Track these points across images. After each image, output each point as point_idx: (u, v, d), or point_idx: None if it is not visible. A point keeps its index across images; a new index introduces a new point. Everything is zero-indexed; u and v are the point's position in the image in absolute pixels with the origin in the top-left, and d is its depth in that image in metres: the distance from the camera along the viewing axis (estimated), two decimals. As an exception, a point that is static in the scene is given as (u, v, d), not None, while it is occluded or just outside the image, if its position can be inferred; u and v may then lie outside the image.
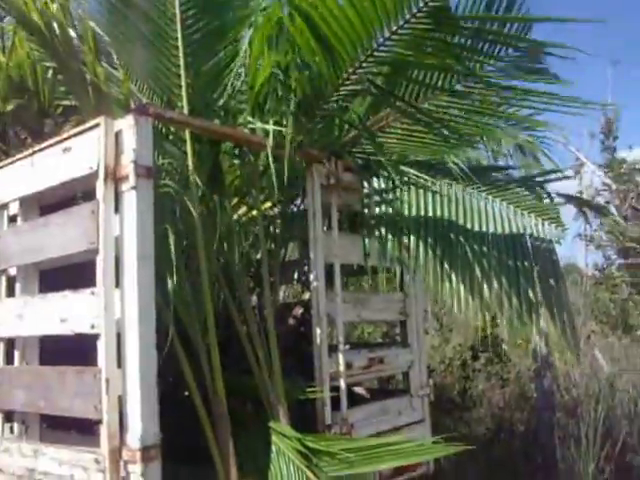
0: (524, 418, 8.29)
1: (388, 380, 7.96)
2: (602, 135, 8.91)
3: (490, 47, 4.17)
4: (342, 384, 4.51)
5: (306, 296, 5.73)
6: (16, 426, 4.06)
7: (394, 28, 3.74)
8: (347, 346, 4.93)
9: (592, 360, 8.89)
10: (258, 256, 5.14)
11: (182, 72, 4.29)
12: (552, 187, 5.01)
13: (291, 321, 5.49)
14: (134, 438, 3.32)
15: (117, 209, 3.44)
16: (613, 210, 8.69)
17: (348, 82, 4.23)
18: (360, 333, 9.90)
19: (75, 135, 3.64)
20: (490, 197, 4.58)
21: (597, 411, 6.89)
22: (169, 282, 3.67)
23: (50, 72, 4.76)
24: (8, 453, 3.93)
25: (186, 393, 4.20)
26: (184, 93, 4.28)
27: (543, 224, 4.47)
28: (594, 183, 9.43)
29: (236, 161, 4.62)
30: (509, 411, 8.61)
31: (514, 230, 4.49)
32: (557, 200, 4.98)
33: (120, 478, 3.36)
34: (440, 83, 4.54)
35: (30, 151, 3.92)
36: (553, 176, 5.13)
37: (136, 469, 3.32)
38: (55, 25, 3.82)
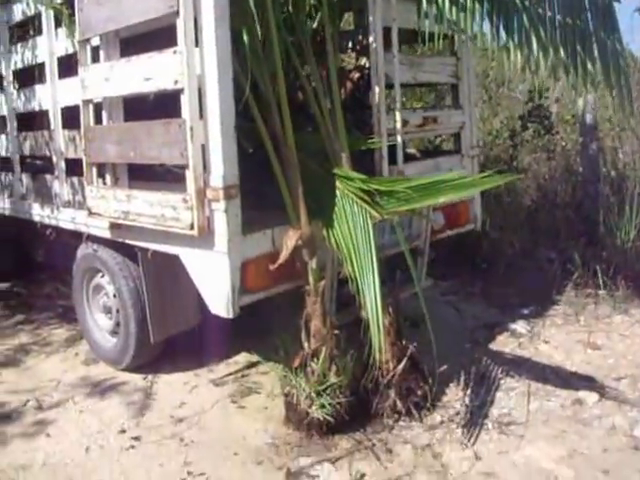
0: (569, 190, 8.44)
1: (436, 147, 8.25)
2: None
3: None
4: (399, 139, 4.85)
5: (362, 62, 5.94)
6: (108, 177, 4.54)
7: None
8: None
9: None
10: (314, 25, 5.34)
11: None
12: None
13: (349, 85, 5.76)
14: (217, 179, 3.79)
15: (193, -29, 3.69)
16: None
17: None
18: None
19: None
20: None
21: (641, 185, 7.13)
22: (244, 39, 3.94)
23: None
24: (104, 199, 4.45)
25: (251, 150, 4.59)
26: None
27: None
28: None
29: None
30: (554, 183, 8.78)
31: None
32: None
33: (205, 215, 3.83)
34: None
35: None
36: None
37: (219, 206, 3.82)
38: None
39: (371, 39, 4.70)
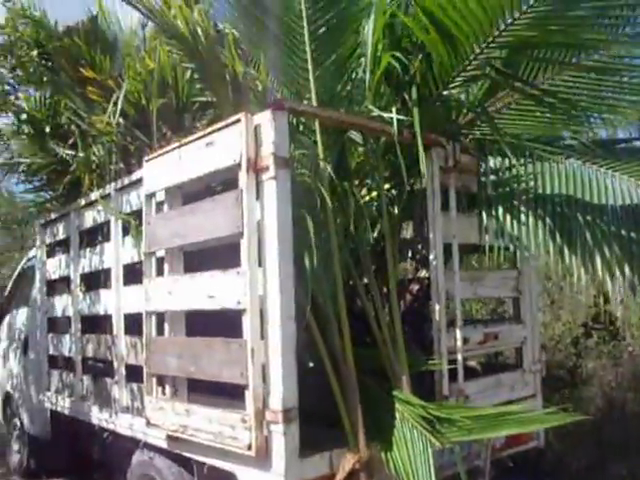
0: (638, 399, 8.10)
1: (496, 356, 8.11)
2: None
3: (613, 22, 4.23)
4: (459, 357, 4.76)
5: (421, 274, 5.97)
6: (167, 389, 4.53)
7: (517, 15, 3.89)
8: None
9: None
10: (374, 235, 5.42)
11: (309, 66, 4.59)
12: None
13: (408, 297, 5.77)
14: (276, 401, 3.73)
15: (258, 196, 3.82)
16: None
17: (468, 68, 4.42)
18: (468, 310, 9.97)
19: (217, 130, 4.04)
20: (610, 171, 4.52)
21: None
22: (306, 261, 4.00)
23: (188, 72, 5.17)
24: (163, 411, 4.42)
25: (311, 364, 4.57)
26: (312, 85, 4.57)
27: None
28: None
29: (360, 148, 4.90)
30: (622, 391, 8.44)
31: (637, 205, 4.37)
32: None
33: (264, 436, 3.76)
34: (562, 58, 4.63)
35: (177, 145, 4.32)
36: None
37: (278, 428, 3.73)
38: (199, 31, 4.21)
39: (431, 257, 4.73)
